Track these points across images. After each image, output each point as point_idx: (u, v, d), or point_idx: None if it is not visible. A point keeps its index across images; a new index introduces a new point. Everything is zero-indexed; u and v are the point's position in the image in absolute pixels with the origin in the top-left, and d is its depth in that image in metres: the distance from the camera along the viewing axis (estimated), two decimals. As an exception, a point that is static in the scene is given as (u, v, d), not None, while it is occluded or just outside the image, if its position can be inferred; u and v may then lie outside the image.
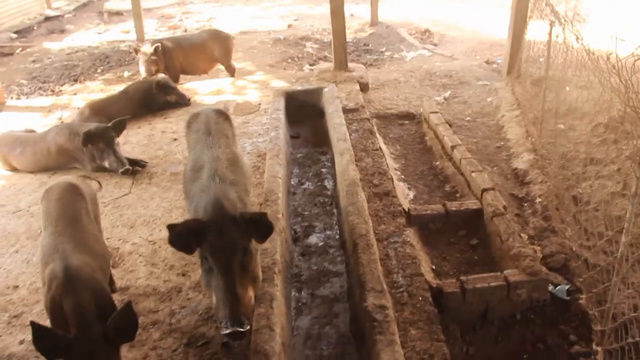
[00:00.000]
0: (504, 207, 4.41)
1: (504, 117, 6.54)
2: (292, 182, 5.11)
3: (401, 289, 3.65)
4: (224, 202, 3.04)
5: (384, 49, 10.00)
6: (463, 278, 3.77)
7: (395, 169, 5.47)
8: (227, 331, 2.74)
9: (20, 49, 10.98)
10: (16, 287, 3.97)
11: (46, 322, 3.50)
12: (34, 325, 2.46)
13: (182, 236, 2.93)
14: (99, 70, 9.08)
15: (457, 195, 5.02)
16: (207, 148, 3.55)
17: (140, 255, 4.12)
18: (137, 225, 4.47)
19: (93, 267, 2.89)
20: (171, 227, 2.94)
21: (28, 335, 3.48)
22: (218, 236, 2.91)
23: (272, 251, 3.67)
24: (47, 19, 13.87)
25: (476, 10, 12.71)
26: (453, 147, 5.38)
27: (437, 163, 5.59)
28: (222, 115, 4.08)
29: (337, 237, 4.43)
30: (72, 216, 3.18)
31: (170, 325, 3.49)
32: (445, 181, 5.30)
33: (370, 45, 10.25)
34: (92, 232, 3.23)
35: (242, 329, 2.76)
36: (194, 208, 3.26)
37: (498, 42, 9.54)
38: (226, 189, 3.20)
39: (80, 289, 2.65)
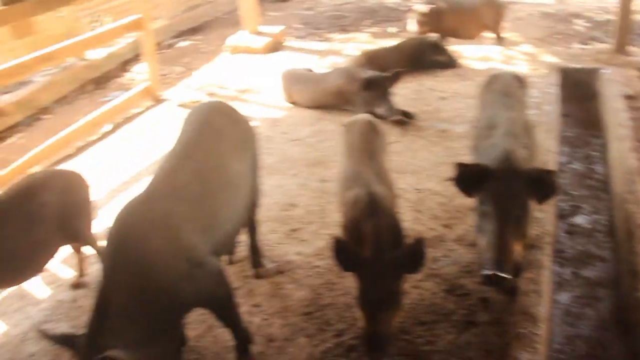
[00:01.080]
0: None
1: None
2: (560, 160, 4.99)
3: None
4: (513, 155, 3.10)
5: (665, 36, 9.14)
6: None
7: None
8: (488, 272, 2.83)
9: (296, -4, 11.83)
10: (294, 205, 4.42)
11: (319, 242, 3.93)
12: (336, 240, 2.75)
13: (468, 177, 3.10)
14: (366, 23, 9.45)
15: None
16: (503, 109, 3.61)
17: (407, 201, 4.32)
18: (405, 173, 4.68)
19: (390, 199, 3.12)
20: (460, 166, 3.12)
21: (304, 248, 3.91)
22: (502, 184, 2.99)
23: (544, 222, 3.66)
24: (319, -30, 14.67)
25: None
26: None
27: None
28: (520, 81, 4.11)
29: (605, 222, 4.27)
30: (372, 150, 3.44)
31: (432, 269, 3.63)
32: None
33: (648, 30, 9.43)
34: (385, 168, 3.47)
35: (502, 275, 2.81)
36: (481, 160, 3.35)
37: None
38: (517, 147, 3.24)
39: (380, 215, 2.87)
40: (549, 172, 3.03)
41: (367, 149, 3.44)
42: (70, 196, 3.48)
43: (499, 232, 2.88)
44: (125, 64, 8.51)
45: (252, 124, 3.47)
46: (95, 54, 7.95)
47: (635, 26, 9.18)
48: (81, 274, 3.82)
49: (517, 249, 3.01)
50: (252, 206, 3.43)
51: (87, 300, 3.65)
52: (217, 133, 3.09)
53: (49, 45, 5.69)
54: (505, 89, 3.87)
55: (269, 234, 4.05)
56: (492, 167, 3.03)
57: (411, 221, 4.08)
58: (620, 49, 7.16)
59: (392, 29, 8.98)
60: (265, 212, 4.04)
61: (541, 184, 3.00)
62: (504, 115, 3.51)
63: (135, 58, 8.62)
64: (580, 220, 4.29)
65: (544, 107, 5.30)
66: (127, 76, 8.21)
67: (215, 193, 2.83)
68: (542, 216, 3.69)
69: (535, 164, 3.41)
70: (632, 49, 7.36)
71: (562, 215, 4.30)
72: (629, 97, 5.78)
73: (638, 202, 3.91)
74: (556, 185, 3.02)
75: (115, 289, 2.41)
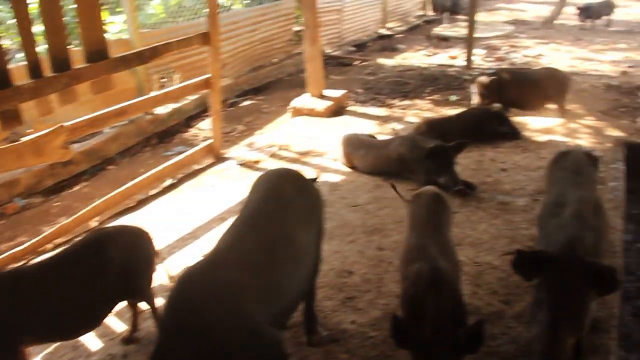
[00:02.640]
0: None
1: None
2: (626, 239, 4.85)
3: None
4: (578, 244, 3.06)
5: None
6: None
7: None
8: None
9: (358, 61, 12.07)
10: (351, 272, 4.38)
11: (375, 311, 3.89)
12: (394, 317, 2.74)
13: (526, 262, 3.07)
14: (427, 91, 9.52)
15: None
16: (573, 187, 3.58)
17: (465, 274, 4.23)
18: (463, 245, 4.61)
19: (454, 275, 3.08)
20: (520, 253, 3.10)
21: (359, 317, 3.86)
22: (562, 274, 2.93)
23: (611, 303, 3.55)
24: (381, 37, 14.99)
25: None
26: None
27: None
28: (591, 159, 4.08)
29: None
30: (437, 224, 3.43)
31: (489, 347, 3.51)
32: None
33: None
34: (451, 243, 3.45)
35: None
36: (545, 241, 3.31)
37: None
38: (584, 231, 3.19)
39: (442, 292, 2.84)
40: (611, 270, 2.96)
41: (433, 222, 3.43)
42: (136, 253, 3.55)
43: (550, 323, 2.83)
44: (188, 120, 8.78)
45: (318, 191, 3.50)
46: (161, 109, 8.22)
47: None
48: (134, 328, 3.86)
49: (571, 342, 2.92)
50: (313, 274, 3.43)
51: (138, 356, 3.68)
52: (285, 202, 3.13)
53: (119, 99, 5.93)
54: (577, 167, 3.85)
55: (324, 300, 4.03)
56: (553, 255, 2.99)
57: (469, 296, 3.99)
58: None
59: (454, 97, 9.02)
60: (321, 278, 4.01)
61: (602, 280, 2.94)
62: (574, 195, 3.47)
63: (198, 114, 8.90)
64: (647, 303, 4.14)
65: (609, 183, 5.20)
66: (190, 132, 8.44)
67: (280, 264, 2.85)
68: (610, 298, 3.56)
69: (603, 247, 3.35)
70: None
71: (628, 297, 4.15)
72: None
73: None
74: (618, 284, 2.97)
75: (170, 353, 2.42)
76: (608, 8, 16.16)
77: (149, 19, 9.82)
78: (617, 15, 16.65)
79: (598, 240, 3.28)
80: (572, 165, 3.88)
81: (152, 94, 6.66)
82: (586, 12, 15.96)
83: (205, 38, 6.41)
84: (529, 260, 3.04)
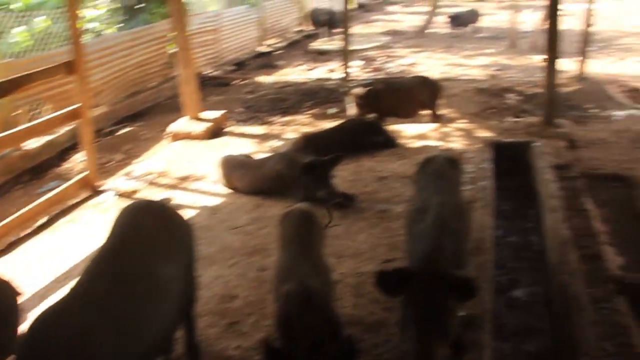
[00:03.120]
0: None
1: None
2: (497, 234, 5.07)
3: (610, 358, 3.47)
4: (438, 256, 3.16)
5: (589, 106, 9.57)
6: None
7: (603, 233, 5.22)
8: None
9: (237, 80, 12.05)
10: (233, 297, 4.31)
11: (259, 334, 3.85)
12: (265, 342, 2.72)
13: (389, 281, 3.08)
14: (306, 105, 9.64)
15: (676, 270, 4.67)
16: (435, 192, 3.69)
17: (347, 285, 4.29)
18: (344, 257, 4.67)
19: (325, 292, 3.09)
20: (379, 273, 3.09)
21: (243, 342, 3.79)
22: (423, 290, 2.98)
23: (483, 299, 3.67)
24: (260, 55, 15.06)
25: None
26: (672, 218, 5.04)
27: (652, 232, 5.24)
28: (454, 163, 4.24)
29: (542, 294, 4.32)
30: (307, 242, 3.43)
31: (374, 356, 3.57)
32: (660, 253, 4.95)
33: (573, 101, 9.86)
34: (323, 259, 3.46)
35: None
36: (410, 248, 3.40)
37: None
38: (445, 238, 3.29)
39: (313, 311, 2.84)
40: (469, 279, 3.06)
41: (302, 240, 3.43)
42: None
43: (419, 339, 2.87)
44: (63, 153, 8.41)
45: (186, 221, 3.43)
46: (32, 143, 7.83)
47: (560, 99, 9.62)
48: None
49: (441, 351, 2.98)
50: (188, 304, 3.35)
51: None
52: (145, 236, 3.03)
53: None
54: (438, 172, 3.97)
55: (207, 328, 3.92)
56: (412, 271, 3.06)
57: (351, 307, 4.04)
58: (549, 121, 7.50)
59: (332, 110, 9.18)
60: (203, 306, 3.94)
61: (461, 289, 3.02)
62: (435, 200, 3.58)
63: (74, 146, 8.53)
64: (518, 293, 4.33)
65: (479, 182, 5.43)
66: (65, 165, 8.10)
67: (140, 300, 2.74)
68: (481, 294, 3.69)
69: (465, 248, 3.50)
70: (559, 120, 7.70)
71: (500, 290, 4.32)
72: (558, 168, 5.98)
73: (571, 273, 3.98)
74: (475, 291, 3.05)
75: None
76: (474, 16, 17.09)
77: (13, 47, 9.31)
78: (484, 22, 17.60)
79: (460, 244, 3.40)
80: (435, 171, 4.01)
81: (16, 128, 6.29)
82: (456, 21, 16.80)
83: (70, 67, 6.17)
84: (390, 279, 3.08)
